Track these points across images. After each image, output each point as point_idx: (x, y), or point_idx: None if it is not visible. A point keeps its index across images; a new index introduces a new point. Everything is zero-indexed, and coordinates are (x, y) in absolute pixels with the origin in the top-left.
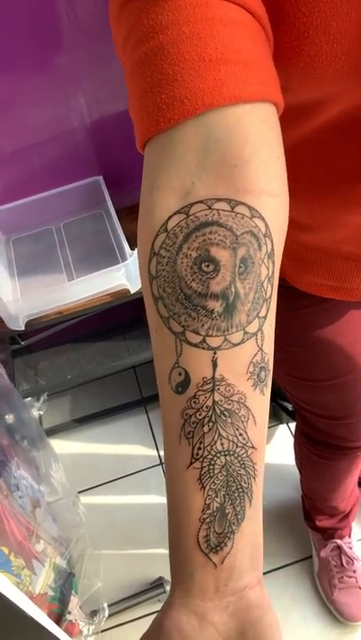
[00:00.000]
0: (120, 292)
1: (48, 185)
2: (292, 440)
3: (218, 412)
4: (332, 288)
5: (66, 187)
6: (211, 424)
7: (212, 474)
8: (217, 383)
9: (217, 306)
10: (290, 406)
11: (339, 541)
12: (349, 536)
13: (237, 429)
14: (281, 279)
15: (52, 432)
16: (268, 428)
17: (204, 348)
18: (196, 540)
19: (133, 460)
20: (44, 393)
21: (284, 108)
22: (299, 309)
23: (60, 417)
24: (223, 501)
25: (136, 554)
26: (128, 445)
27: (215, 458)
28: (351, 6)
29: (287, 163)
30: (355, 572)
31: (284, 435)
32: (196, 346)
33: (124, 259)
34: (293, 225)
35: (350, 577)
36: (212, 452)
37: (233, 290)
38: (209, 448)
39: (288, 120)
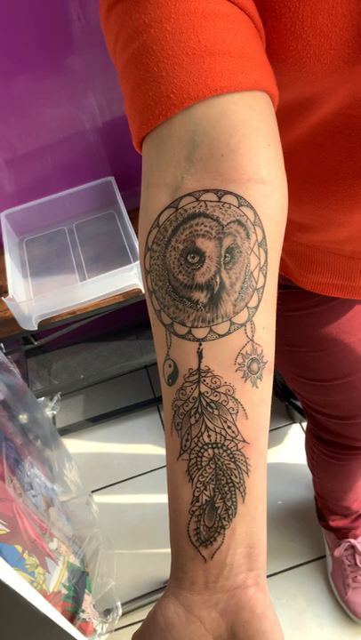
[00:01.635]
0: (132, 292)
1: (60, 186)
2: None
3: (204, 403)
4: (337, 287)
5: (78, 187)
6: (197, 415)
7: (199, 466)
8: (202, 374)
9: (202, 297)
10: None
11: (353, 541)
12: None
13: (225, 422)
14: (286, 279)
15: (66, 431)
16: (281, 427)
17: (190, 340)
18: (186, 531)
19: (146, 459)
20: (58, 393)
21: (279, 108)
22: (304, 309)
23: (73, 416)
24: (213, 495)
25: (149, 553)
26: (141, 445)
27: (202, 450)
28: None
29: (285, 164)
30: None
31: (298, 434)
32: (182, 337)
33: (135, 258)
34: (295, 226)
35: None
36: (200, 444)
37: (218, 280)
38: (196, 440)
39: (283, 120)
